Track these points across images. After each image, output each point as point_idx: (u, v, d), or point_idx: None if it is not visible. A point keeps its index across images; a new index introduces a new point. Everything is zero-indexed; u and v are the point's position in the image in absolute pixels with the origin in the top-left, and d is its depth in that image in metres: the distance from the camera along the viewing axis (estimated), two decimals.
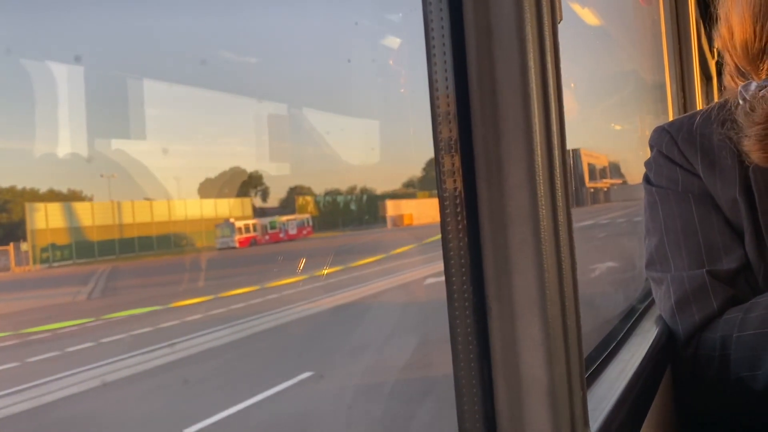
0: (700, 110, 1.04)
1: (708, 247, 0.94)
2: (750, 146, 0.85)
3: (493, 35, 0.49)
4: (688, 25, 1.91)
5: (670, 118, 1.96)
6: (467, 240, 0.51)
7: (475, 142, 0.50)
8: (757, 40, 0.85)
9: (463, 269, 0.51)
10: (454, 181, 0.51)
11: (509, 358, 0.51)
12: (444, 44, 0.50)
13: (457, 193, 0.51)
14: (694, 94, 1.97)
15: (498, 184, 0.50)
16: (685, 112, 1.91)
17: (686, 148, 0.99)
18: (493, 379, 0.51)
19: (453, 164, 0.51)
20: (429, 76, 0.51)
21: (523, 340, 0.50)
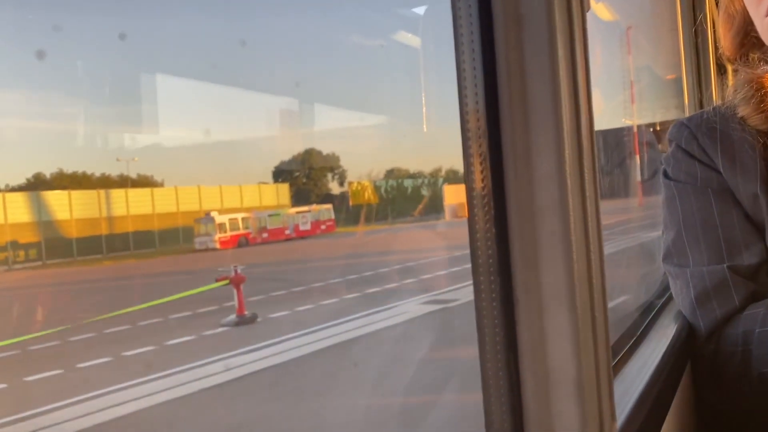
0: (720, 105, 1.03)
1: (728, 242, 0.93)
2: (747, 112, 0.97)
3: (523, 24, 0.48)
4: (705, 17, 1.89)
5: (687, 113, 1.94)
6: (494, 231, 0.51)
7: (504, 133, 0.50)
8: (731, 46, 1.07)
9: (491, 260, 0.50)
10: (482, 171, 0.50)
11: (537, 351, 0.50)
12: (472, 32, 0.49)
13: (484, 184, 0.51)
14: (710, 88, 1.95)
15: (526, 175, 0.50)
16: (701, 106, 1.89)
17: (706, 143, 0.98)
18: (520, 371, 0.51)
19: (481, 154, 0.50)
20: (457, 66, 0.50)
21: (550, 332, 0.50)
